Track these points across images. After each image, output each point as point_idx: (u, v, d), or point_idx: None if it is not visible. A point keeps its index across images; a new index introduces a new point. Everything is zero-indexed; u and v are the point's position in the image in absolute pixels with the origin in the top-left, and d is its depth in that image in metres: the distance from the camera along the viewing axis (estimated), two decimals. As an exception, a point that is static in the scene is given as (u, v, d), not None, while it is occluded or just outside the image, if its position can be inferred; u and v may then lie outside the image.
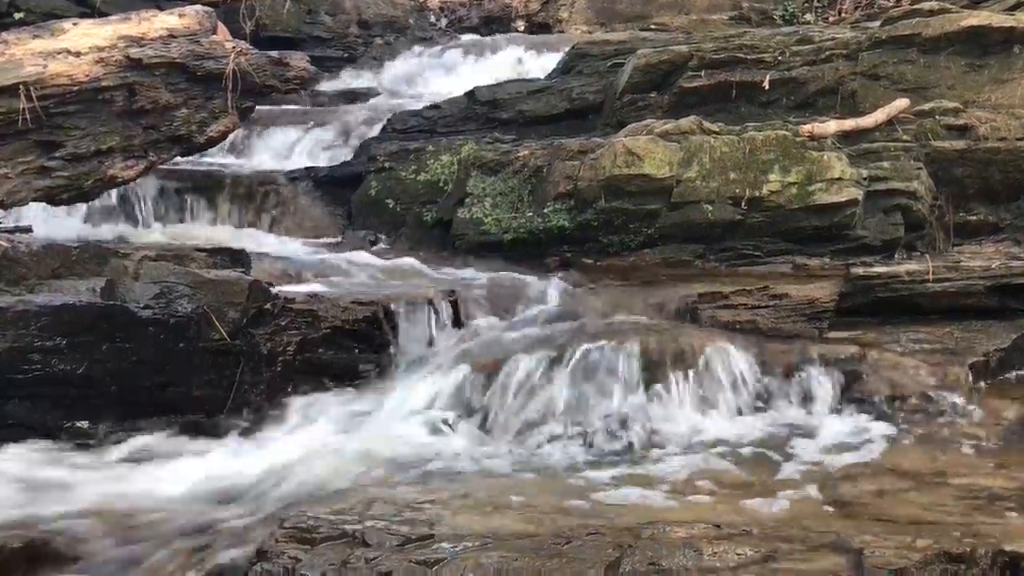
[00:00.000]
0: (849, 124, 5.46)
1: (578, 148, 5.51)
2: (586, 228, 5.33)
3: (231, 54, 5.02)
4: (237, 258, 4.75)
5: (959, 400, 4.16)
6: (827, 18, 8.52)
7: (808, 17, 8.67)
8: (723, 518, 3.03)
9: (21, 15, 7.21)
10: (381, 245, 5.74)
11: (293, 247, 5.66)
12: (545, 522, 3.05)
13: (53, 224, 5.46)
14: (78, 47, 4.67)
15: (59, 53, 4.61)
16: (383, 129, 6.79)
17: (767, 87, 6.00)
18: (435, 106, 6.91)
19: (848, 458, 3.68)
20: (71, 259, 4.33)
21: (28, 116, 4.44)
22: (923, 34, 5.90)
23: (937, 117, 5.52)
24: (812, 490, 3.36)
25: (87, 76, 4.65)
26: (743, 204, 5.17)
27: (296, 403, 4.15)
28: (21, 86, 4.44)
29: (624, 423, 3.96)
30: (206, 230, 5.79)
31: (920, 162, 5.34)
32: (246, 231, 5.91)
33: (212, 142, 5.22)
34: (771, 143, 5.28)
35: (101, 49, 4.72)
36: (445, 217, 5.69)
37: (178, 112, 4.95)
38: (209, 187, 6.13)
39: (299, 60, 5.33)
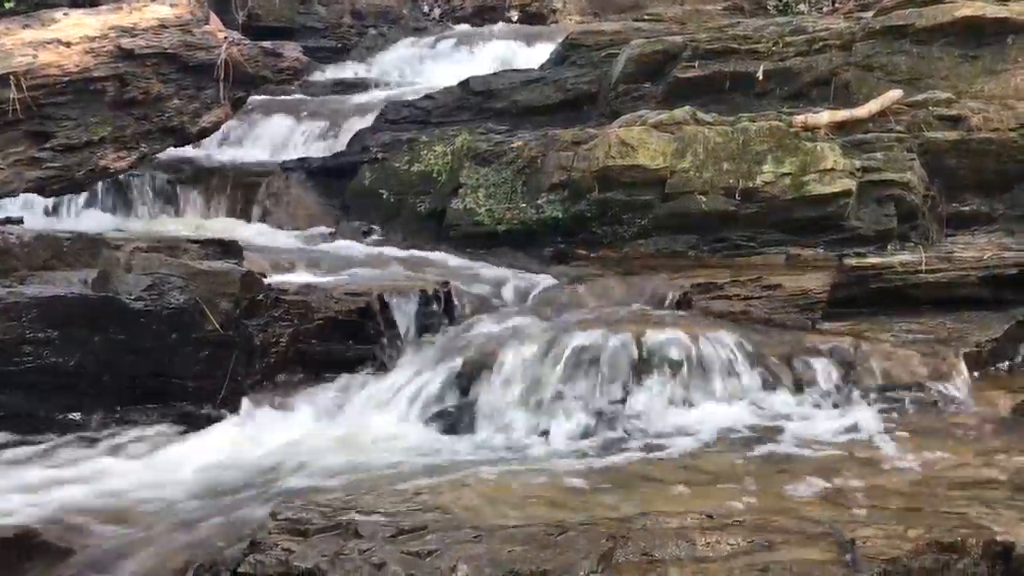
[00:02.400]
0: (843, 115, 5.46)
1: (572, 139, 5.51)
2: (580, 219, 5.33)
3: (223, 44, 5.01)
4: (230, 249, 4.73)
5: (952, 390, 4.16)
6: (821, 8, 8.52)
7: (802, 7, 8.66)
8: (716, 508, 3.03)
9: (11, 4, 7.16)
10: (375, 236, 5.73)
11: (286, 238, 5.66)
12: (538, 513, 3.05)
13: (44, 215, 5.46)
14: (69, 37, 4.65)
15: (50, 43, 4.59)
16: (376, 120, 6.77)
17: (761, 78, 6.01)
18: (429, 96, 6.89)
19: (841, 448, 3.68)
20: (63, 250, 4.32)
21: (19, 106, 4.43)
22: (916, 25, 5.90)
23: (930, 108, 5.53)
24: (804, 480, 3.36)
25: (78, 66, 4.63)
26: (737, 195, 5.17)
27: (289, 394, 4.14)
28: (11, 76, 4.42)
29: (617, 413, 3.96)
30: (199, 221, 5.78)
31: (913, 153, 5.35)
32: (239, 222, 5.90)
33: (204, 133, 5.21)
34: (765, 134, 5.28)
35: (92, 39, 4.70)
36: (439, 208, 5.68)
37: (170, 103, 4.94)
38: (202, 178, 6.12)
39: (292, 50, 5.33)
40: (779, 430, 3.88)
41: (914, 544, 2.75)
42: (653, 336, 4.21)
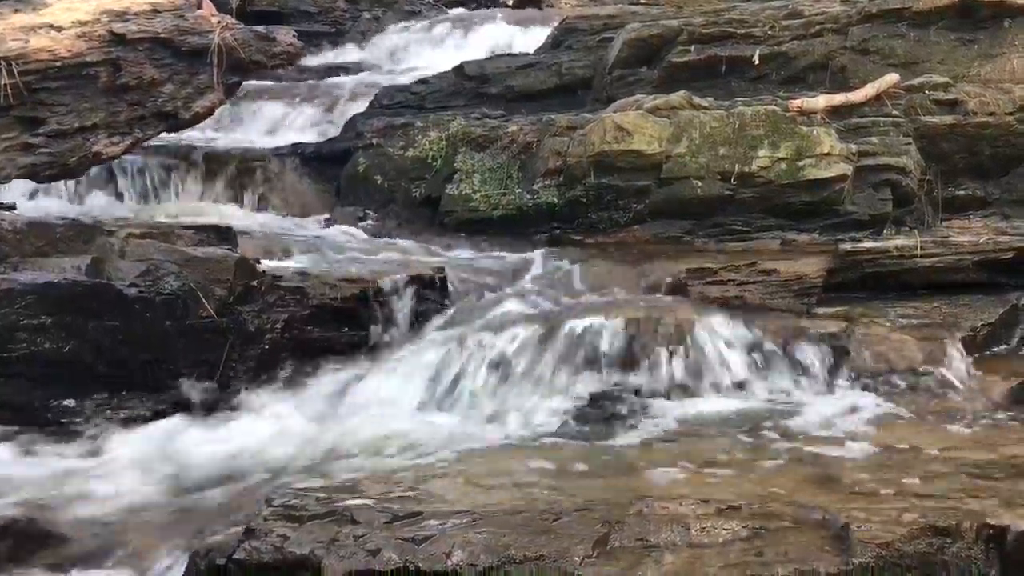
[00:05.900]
0: (839, 99, 5.44)
1: (567, 124, 5.49)
2: (575, 204, 5.31)
3: (216, 29, 4.97)
4: (224, 235, 4.72)
5: (947, 375, 4.17)
6: (817, -8, 8.47)
7: (798, -9, 8.60)
8: (711, 494, 3.04)
9: (3, -11, 7.11)
10: (369, 222, 5.71)
11: (280, 224, 5.63)
12: (534, 498, 3.05)
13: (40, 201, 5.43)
14: (60, 22, 4.61)
15: (41, 28, 4.56)
16: (370, 105, 6.74)
17: (757, 62, 5.98)
18: (423, 81, 6.86)
19: (836, 433, 3.69)
20: (56, 237, 4.31)
21: (10, 92, 4.40)
22: (913, 8, 5.88)
23: (927, 92, 5.51)
24: (800, 465, 3.37)
25: (70, 51, 4.59)
26: (732, 180, 5.16)
27: (284, 380, 4.14)
28: (2, 61, 4.38)
29: (613, 399, 3.97)
30: (193, 207, 5.76)
31: (909, 137, 5.33)
32: (233, 208, 5.87)
33: (198, 118, 5.17)
34: (760, 118, 5.26)
35: (84, 24, 4.66)
36: (434, 193, 5.66)
37: (163, 88, 4.90)
38: (195, 164, 6.09)
39: (286, 35, 5.29)
40: (774, 415, 3.89)
41: (908, 528, 2.76)
42: (648, 321, 4.21)
